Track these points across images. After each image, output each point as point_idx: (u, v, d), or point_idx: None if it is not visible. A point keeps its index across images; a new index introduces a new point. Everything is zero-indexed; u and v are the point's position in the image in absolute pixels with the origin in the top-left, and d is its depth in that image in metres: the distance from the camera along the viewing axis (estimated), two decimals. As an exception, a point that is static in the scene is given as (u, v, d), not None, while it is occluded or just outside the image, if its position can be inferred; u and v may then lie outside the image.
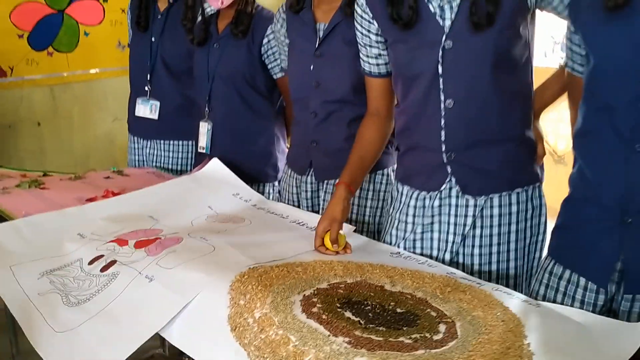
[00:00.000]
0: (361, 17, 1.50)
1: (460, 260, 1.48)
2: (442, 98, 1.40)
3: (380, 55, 1.52)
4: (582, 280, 1.29)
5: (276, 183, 2.04)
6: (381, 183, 1.73)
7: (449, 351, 1.06)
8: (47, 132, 2.99)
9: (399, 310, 1.20)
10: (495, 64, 1.36)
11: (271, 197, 1.98)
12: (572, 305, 1.29)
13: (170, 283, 1.31)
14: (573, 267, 1.32)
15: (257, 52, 1.92)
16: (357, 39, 1.55)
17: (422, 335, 1.11)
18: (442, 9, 1.37)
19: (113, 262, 1.43)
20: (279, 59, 1.90)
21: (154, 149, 2.32)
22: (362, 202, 1.74)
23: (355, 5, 1.51)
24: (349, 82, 1.66)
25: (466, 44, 1.36)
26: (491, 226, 1.45)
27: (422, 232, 1.51)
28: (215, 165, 1.96)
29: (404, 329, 1.13)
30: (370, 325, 1.13)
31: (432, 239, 1.50)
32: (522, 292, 1.38)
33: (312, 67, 1.70)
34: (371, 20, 1.49)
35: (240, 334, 1.14)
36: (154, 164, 2.31)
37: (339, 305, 1.20)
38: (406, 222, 1.53)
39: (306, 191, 1.80)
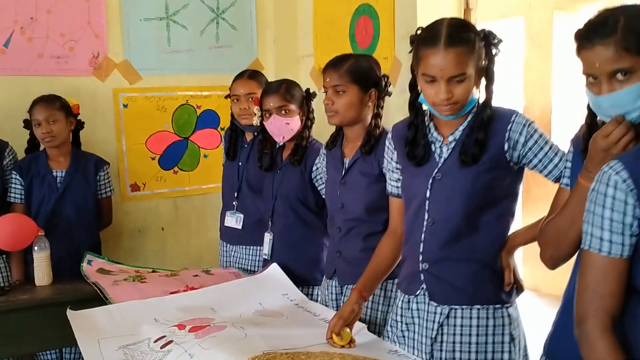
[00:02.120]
0: (387, 147, 1.88)
1: None
2: (426, 217, 1.71)
3: (399, 179, 1.86)
4: None
5: (323, 285, 2.39)
6: (391, 290, 2.03)
7: None
8: (169, 236, 3.61)
9: (361, 392, 1.49)
10: (470, 197, 1.65)
11: (318, 298, 2.33)
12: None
13: (203, 359, 1.70)
14: None
15: (308, 177, 2.36)
16: (384, 165, 1.92)
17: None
18: (441, 148, 1.72)
19: (170, 342, 1.85)
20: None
21: (238, 253, 2.79)
22: (374, 306, 2.05)
23: (387, 138, 1.90)
24: (363, 205, 2.03)
25: (451, 177, 1.68)
26: (454, 334, 1.68)
27: (404, 331, 1.78)
28: (273, 269, 2.37)
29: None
30: (329, 401, 1.43)
31: (410, 338, 1.76)
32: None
33: (338, 192, 2.09)
34: (393, 150, 1.86)
35: (235, 401, 1.49)
36: (237, 265, 2.78)
37: (313, 385, 1.52)
38: (396, 321, 1.82)
39: (332, 293, 2.14)
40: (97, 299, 2.29)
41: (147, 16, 3.40)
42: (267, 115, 2.39)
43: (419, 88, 1.71)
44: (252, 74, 2.78)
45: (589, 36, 1.27)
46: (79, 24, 3.24)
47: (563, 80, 4.69)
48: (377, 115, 2.05)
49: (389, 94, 2.07)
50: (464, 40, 1.58)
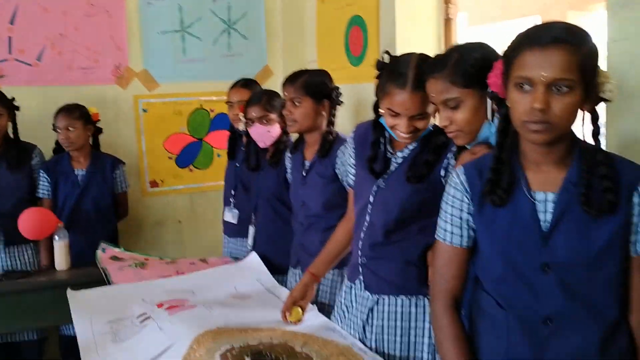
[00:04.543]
0: (347, 145, 2.09)
1: (366, 341, 1.95)
2: (367, 218, 1.95)
3: (355, 174, 2.09)
4: None
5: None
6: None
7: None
8: (186, 228, 3.97)
9: (283, 360, 1.78)
10: (405, 209, 1.86)
11: (292, 284, 2.61)
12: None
13: (169, 332, 2.01)
14: None
15: (283, 176, 2.65)
16: (344, 159, 2.13)
17: (281, 375, 1.68)
18: (390, 161, 1.93)
19: (149, 317, 2.19)
20: None
21: (235, 244, 3.11)
22: (332, 290, 2.32)
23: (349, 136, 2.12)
24: (321, 202, 2.30)
25: (393, 188, 1.89)
26: (382, 319, 1.92)
27: (345, 312, 2.04)
28: (252, 257, 2.67)
29: (276, 371, 1.71)
30: (255, 367, 1.73)
31: (348, 319, 2.02)
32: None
33: (300, 192, 2.37)
34: (353, 149, 2.06)
35: (183, 366, 1.80)
36: (233, 255, 3.10)
37: (247, 353, 1.81)
38: (340, 302, 2.08)
39: (296, 281, 2.42)
40: (103, 281, 2.65)
41: (164, 29, 3.76)
42: (250, 123, 2.69)
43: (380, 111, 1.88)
44: (246, 83, 3.09)
45: (428, 70, 1.52)
46: (103, 39, 3.63)
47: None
48: (330, 123, 2.32)
49: (340, 104, 2.33)
50: None
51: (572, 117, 1.22)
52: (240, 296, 2.40)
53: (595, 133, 1.26)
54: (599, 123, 1.27)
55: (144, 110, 3.77)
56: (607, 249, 1.26)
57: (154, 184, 3.84)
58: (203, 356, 1.79)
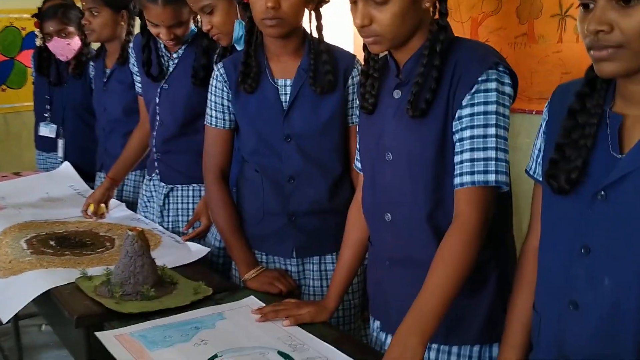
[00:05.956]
0: (130, 55, 2.26)
1: (164, 224, 2.22)
2: (157, 118, 2.17)
3: (141, 81, 2.26)
4: None
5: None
6: None
7: (83, 254, 1.87)
8: (1, 151, 3.94)
9: (86, 242, 2.01)
10: (189, 107, 2.09)
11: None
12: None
13: (-24, 229, 2.15)
14: None
15: (89, 87, 2.76)
16: (132, 68, 2.29)
17: (81, 251, 1.91)
18: (168, 63, 2.14)
19: (-45, 220, 2.28)
20: None
21: (49, 158, 3.19)
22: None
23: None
24: (121, 108, 2.48)
25: (176, 88, 2.12)
26: (176, 203, 2.19)
27: (146, 202, 2.28)
28: (65, 166, 2.81)
29: (77, 249, 1.93)
30: (57, 247, 1.94)
31: (150, 207, 2.26)
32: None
33: (101, 98, 2.54)
34: (134, 62, 2.23)
35: (-8, 254, 1.96)
36: (49, 168, 3.18)
37: (51, 238, 2.01)
38: (143, 194, 2.32)
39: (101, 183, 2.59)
40: None
41: (-37, -60, 3.59)
42: (48, 38, 2.75)
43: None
44: (54, -5, 3.09)
45: None
46: None
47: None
48: (129, 33, 2.47)
49: (138, 14, 2.49)
50: None
51: (299, 14, 1.53)
52: (51, 199, 2.55)
53: (319, 28, 1.59)
54: (321, 20, 1.59)
55: (-54, 27, 3.62)
56: (332, 120, 1.62)
57: (-38, 104, 3.74)
58: (9, 243, 1.97)
